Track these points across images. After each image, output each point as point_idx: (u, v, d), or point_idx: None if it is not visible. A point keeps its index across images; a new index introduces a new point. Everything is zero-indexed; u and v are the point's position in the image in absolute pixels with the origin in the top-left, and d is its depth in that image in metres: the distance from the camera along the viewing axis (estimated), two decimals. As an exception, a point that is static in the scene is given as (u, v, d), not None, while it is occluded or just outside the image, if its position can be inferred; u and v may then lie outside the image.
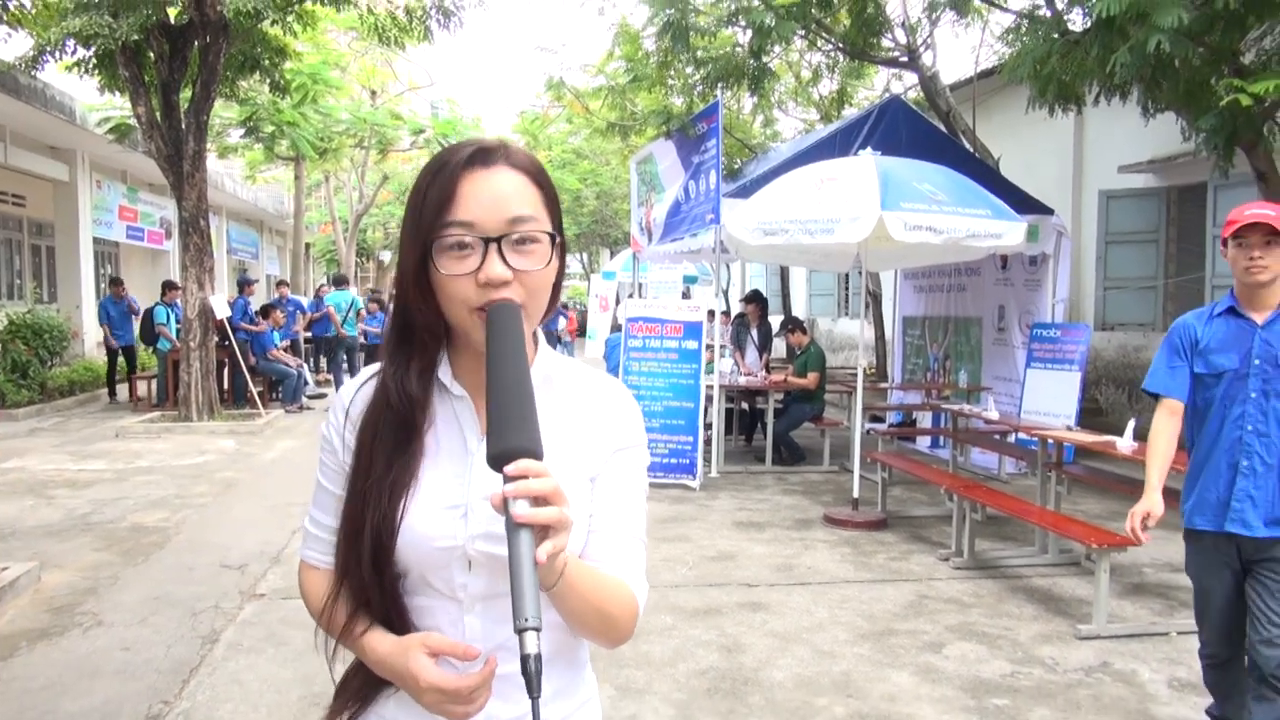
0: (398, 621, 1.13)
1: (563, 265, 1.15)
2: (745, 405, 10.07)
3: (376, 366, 1.19)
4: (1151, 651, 4.26)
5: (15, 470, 8.24)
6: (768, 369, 10.17)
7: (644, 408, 7.97)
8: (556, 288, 1.14)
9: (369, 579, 1.10)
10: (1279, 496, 2.72)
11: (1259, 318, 2.75)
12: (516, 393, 0.96)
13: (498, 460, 0.93)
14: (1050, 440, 5.74)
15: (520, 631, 0.88)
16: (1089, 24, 6.62)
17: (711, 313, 9.20)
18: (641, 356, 8.18)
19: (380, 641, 1.11)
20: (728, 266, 18.47)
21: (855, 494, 6.73)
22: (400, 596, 1.13)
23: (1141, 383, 3.07)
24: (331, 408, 1.21)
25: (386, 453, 1.11)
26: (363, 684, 1.17)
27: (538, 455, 0.94)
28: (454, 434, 1.14)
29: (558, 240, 1.11)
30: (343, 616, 1.13)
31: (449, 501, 1.11)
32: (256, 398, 11.96)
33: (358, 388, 1.19)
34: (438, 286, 1.08)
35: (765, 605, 4.85)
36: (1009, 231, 5.90)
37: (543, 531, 0.92)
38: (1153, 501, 2.86)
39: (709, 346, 8.59)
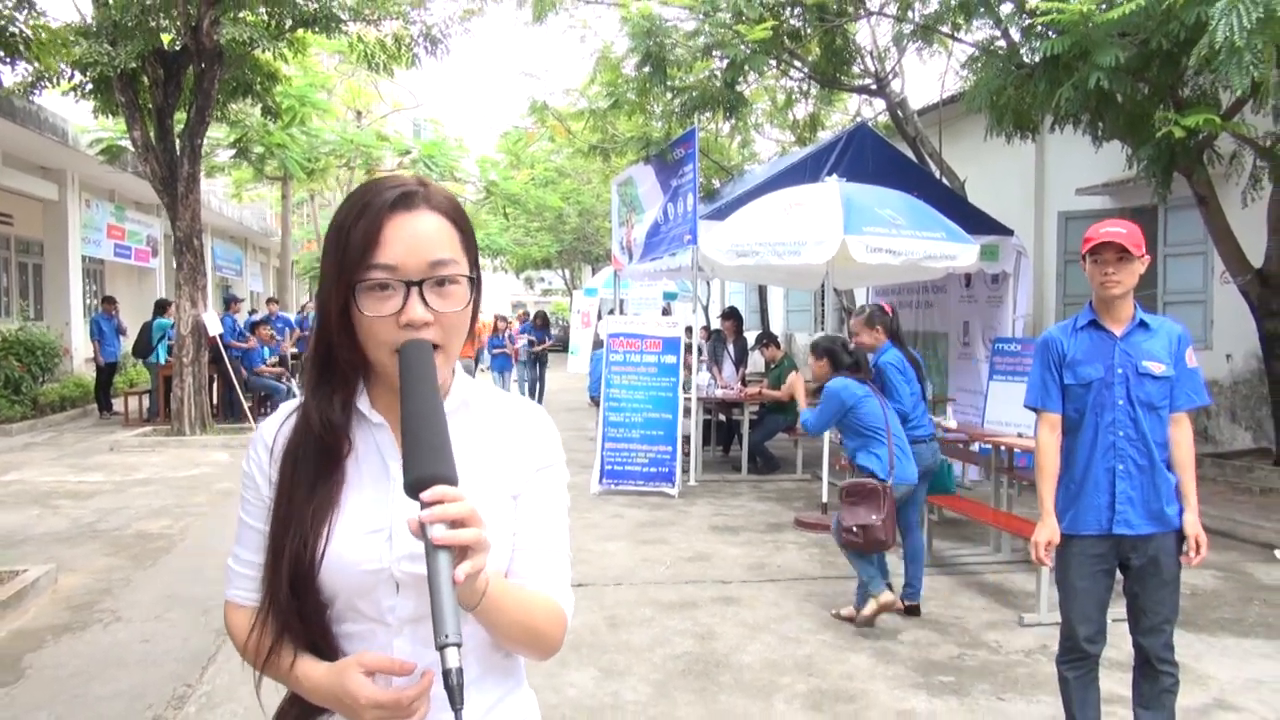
0: (326, 649, 1.15)
1: (478, 301, 1.20)
2: (723, 417, 10.48)
3: (295, 402, 1.23)
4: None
5: (17, 482, 8.51)
6: (744, 382, 10.58)
7: (624, 419, 8.44)
8: (473, 320, 1.20)
9: (286, 604, 1.12)
10: (1152, 494, 3.01)
11: (1117, 329, 3.05)
12: (429, 423, 1.01)
13: (414, 487, 0.98)
14: (1002, 446, 6.18)
15: (441, 648, 0.91)
16: (1038, 59, 7.09)
17: (689, 329, 9.61)
18: (622, 370, 8.57)
19: (313, 669, 1.13)
20: (707, 284, 18.91)
21: (824, 499, 7.15)
22: (328, 624, 1.16)
23: None
24: (252, 443, 1.23)
25: (308, 480, 1.15)
26: (297, 716, 1.19)
27: (452, 481, 0.99)
28: (374, 460, 1.18)
29: (475, 280, 1.17)
30: (266, 646, 1.15)
31: (372, 525, 1.14)
32: (248, 412, 12.25)
33: (280, 423, 1.22)
34: (359, 326, 1.11)
35: (737, 599, 5.24)
36: (962, 253, 6.36)
37: (461, 552, 0.97)
38: (1050, 528, 3.11)
39: (687, 366, 8.99)
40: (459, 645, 0.91)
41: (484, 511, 1.00)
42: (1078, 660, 3.20)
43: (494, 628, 1.11)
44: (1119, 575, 3.20)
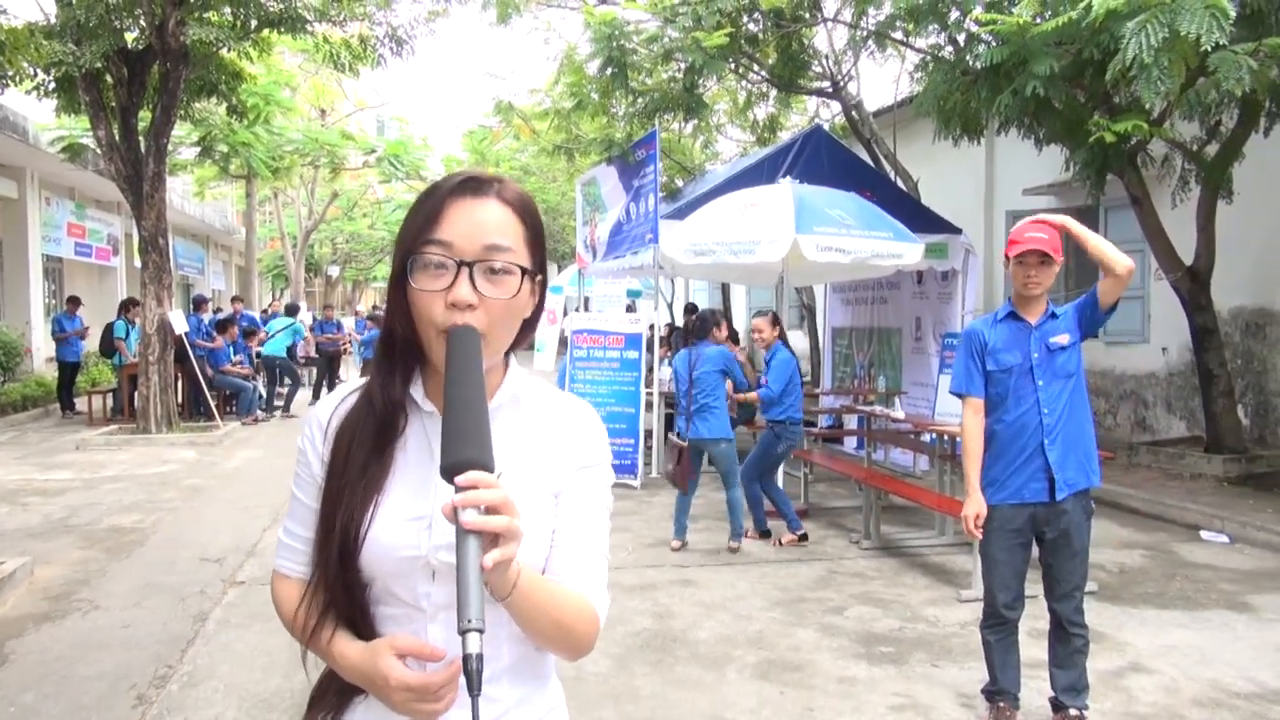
0: (364, 629, 1.17)
1: (540, 301, 1.21)
2: (684, 411, 10.74)
3: (355, 384, 1.26)
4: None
5: (-16, 480, 8.57)
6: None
7: (588, 413, 8.69)
8: (531, 322, 1.21)
9: (334, 577, 1.15)
10: (1069, 461, 3.36)
11: (1032, 320, 3.42)
12: (469, 408, 1.01)
13: (449, 472, 0.98)
14: (946, 435, 6.51)
15: (464, 633, 0.92)
16: (979, 66, 7.44)
17: (652, 325, 9.86)
18: (586, 365, 8.83)
19: (349, 647, 1.15)
20: (671, 281, 19.17)
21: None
22: (367, 604, 1.17)
23: None
24: (307, 421, 1.25)
25: (362, 458, 1.17)
26: (336, 694, 1.22)
27: (488, 467, 0.98)
28: (422, 448, 1.18)
29: (537, 278, 1.18)
30: (312, 620, 1.17)
31: (413, 513, 1.15)
32: (214, 410, 12.32)
33: (338, 403, 1.24)
34: (411, 301, 1.13)
35: (695, 582, 5.52)
36: (908, 251, 6.69)
37: (492, 540, 0.96)
38: (978, 502, 3.42)
39: (649, 369, 9.24)
40: (481, 631, 0.92)
41: (522, 506, 1.01)
42: (998, 625, 3.53)
43: (525, 621, 1.10)
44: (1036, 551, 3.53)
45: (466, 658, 0.91)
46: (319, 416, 1.24)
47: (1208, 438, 8.47)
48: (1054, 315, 3.42)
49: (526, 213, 1.18)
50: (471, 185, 1.15)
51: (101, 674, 4.08)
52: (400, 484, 1.17)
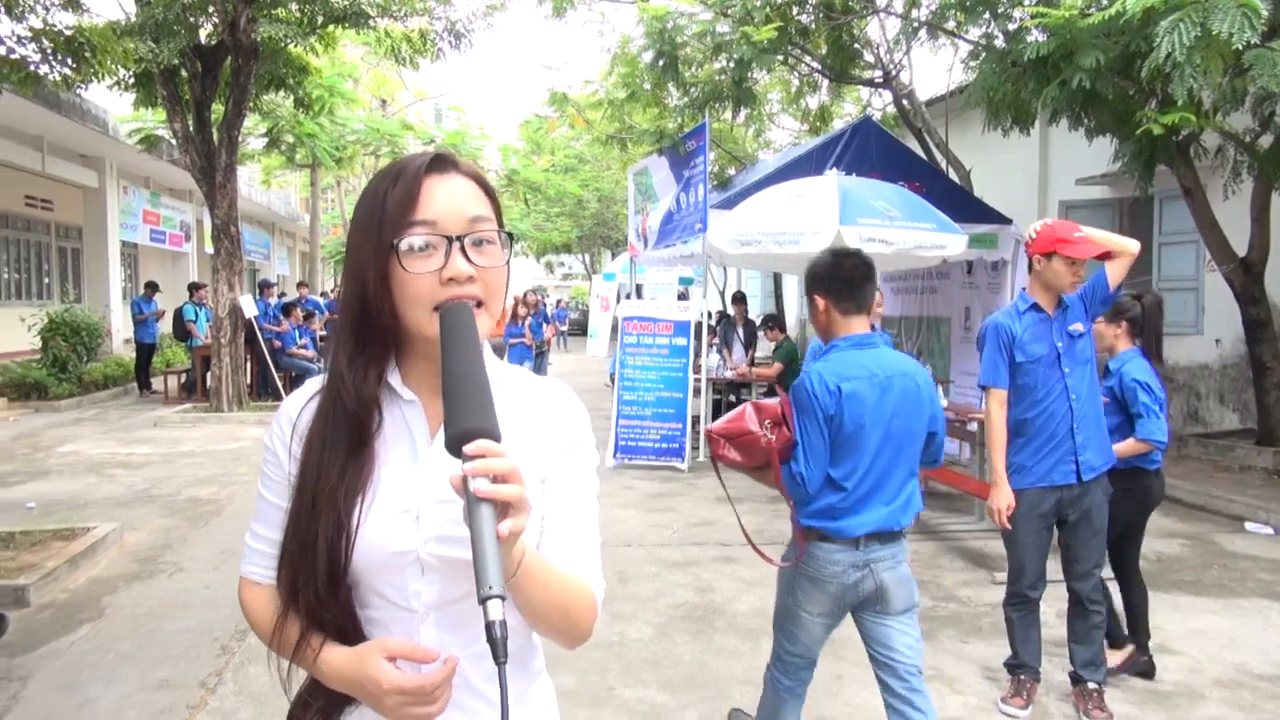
0: (353, 635, 1.12)
1: (508, 268, 1.18)
2: (733, 397, 10.96)
3: (322, 379, 1.20)
4: (1049, 593, 5.11)
5: (72, 454, 9.15)
6: (753, 364, 11.06)
7: (638, 398, 8.95)
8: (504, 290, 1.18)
9: (323, 592, 1.09)
10: (1091, 444, 3.53)
11: (1050, 311, 3.56)
12: (472, 379, 0.98)
13: (456, 441, 0.95)
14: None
15: (484, 600, 0.89)
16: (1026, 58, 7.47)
17: (703, 313, 10.07)
18: (636, 351, 9.09)
19: (335, 654, 1.10)
20: (724, 269, 19.32)
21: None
22: (354, 609, 1.13)
23: None
24: (276, 419, 1.21)
25: (339, 461, 1.11)
26: (320, 712, 1.17)
27: (495, 436, 0.96)
28: (403, 438, 1.15)
29: (511, 240, 1.17)
30: (295, 634, 1.11)
31: (400, 506, 1.11)
32: (282, 390, 12.87)
33: (305, 400, 1.19)
34: (399, 286, 1.09)
35: (736, 559, 5.75)
36: (951, 243, 6.80)
37: (503, 510, 0.93)
38: (1006, 493, 3.56)
39: (696, 353, 9.46)
40: (503, 598, 0.90)
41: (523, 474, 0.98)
42: (1021, 603, 3.72)
43: (528, 604, 1.07)
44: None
45: (490, 625, 0.89)
46: (288, 412, 1.21)
47: (1259, 430, 8.43)
48: (1065, 305, 3.59)
49: (485, 184, 1.18)
50: (437, 164, 1.14)
51: (187, 628, 4.47)
52: (384, 478, 1.13)
